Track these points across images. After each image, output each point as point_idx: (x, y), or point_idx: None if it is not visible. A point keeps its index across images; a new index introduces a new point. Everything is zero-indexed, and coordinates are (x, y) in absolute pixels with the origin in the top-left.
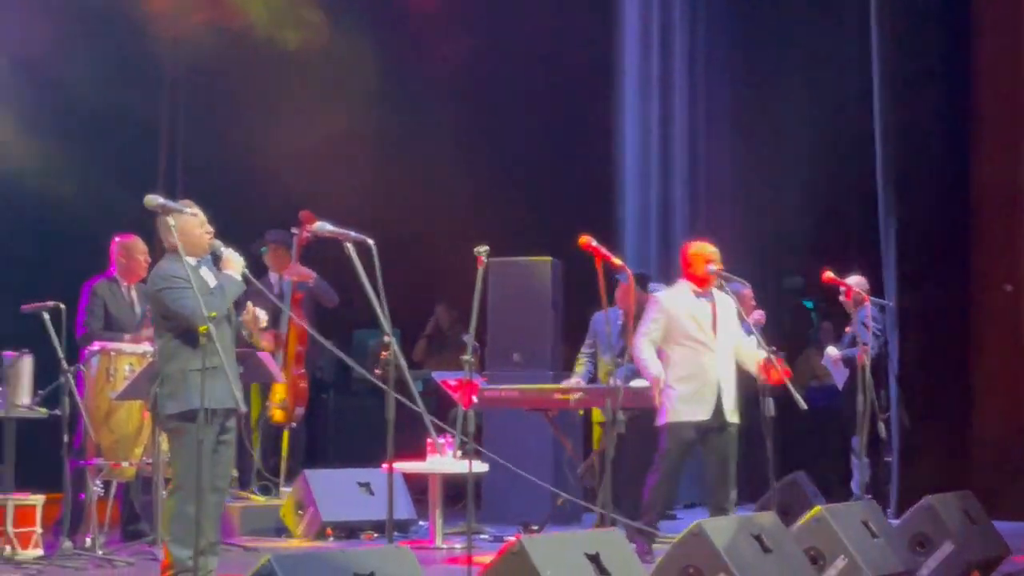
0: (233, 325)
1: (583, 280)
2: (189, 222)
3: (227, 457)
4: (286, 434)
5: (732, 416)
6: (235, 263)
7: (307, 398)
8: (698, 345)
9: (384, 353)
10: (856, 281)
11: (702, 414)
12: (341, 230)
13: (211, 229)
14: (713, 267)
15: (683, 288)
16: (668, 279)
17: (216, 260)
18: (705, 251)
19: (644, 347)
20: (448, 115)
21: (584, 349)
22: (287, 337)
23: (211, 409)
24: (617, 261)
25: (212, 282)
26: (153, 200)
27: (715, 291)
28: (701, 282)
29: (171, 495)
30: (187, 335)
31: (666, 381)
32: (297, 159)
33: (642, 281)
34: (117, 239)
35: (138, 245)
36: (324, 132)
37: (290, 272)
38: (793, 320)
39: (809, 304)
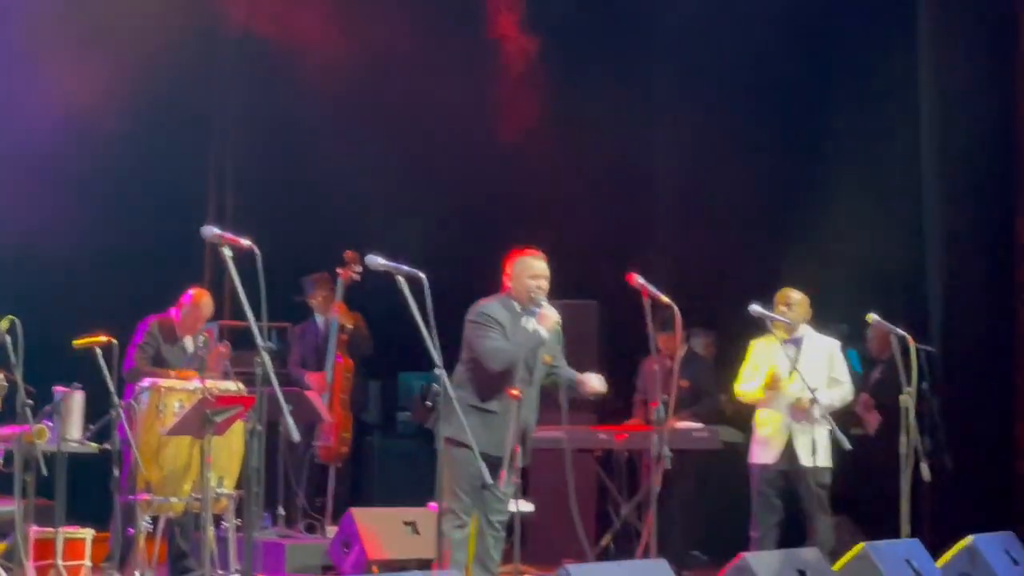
0: (536, 380)
1: (625, 324)
2: (525, 268)
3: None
4: (332, 473)
5: (809, 460)
6: (549, 321)
7: (351, 438)
8: (773, 391)
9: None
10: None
11: (771, 457)
12: (393, 264)
13: (544, 285)
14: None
15: (772, 336)
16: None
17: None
18: (782, 297)
19: (738, 389)
20: (487, 163)
21: (637, 396)
22: (333, 378)
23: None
24: (665, 299)
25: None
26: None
27: (808, 336)
28: (786, 329)
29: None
30: (478, 372)
31: None
32: (343, 196)
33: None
34: (192, 291)
35: (208, 303)
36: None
37: (339, 309)
38: None
39: (852, 353)
